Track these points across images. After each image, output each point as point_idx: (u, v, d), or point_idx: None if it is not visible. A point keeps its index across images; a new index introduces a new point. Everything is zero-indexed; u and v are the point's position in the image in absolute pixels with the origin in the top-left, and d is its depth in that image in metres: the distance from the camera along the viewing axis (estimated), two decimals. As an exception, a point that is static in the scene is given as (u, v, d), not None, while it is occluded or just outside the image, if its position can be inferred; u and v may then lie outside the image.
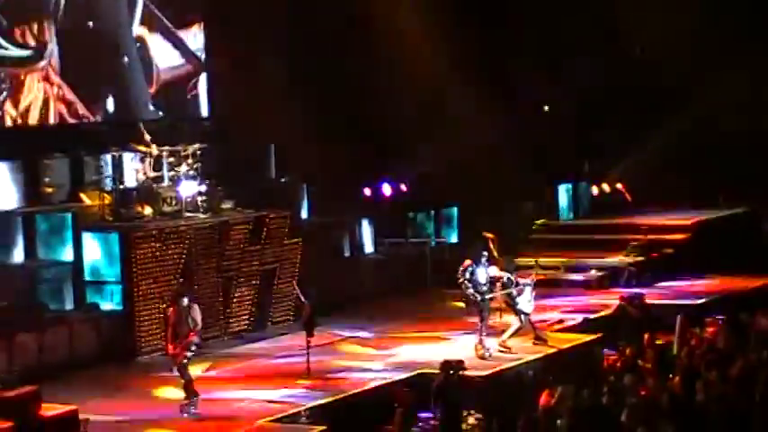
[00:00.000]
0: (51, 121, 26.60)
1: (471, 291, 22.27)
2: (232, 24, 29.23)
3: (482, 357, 21.82)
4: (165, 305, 20.39)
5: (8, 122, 25.85)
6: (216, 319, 24.34)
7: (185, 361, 18.90)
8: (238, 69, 28.89)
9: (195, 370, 19.78)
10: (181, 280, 21.28)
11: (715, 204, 32.25)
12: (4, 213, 24.53)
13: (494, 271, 22.98)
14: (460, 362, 19.38)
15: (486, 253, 22.97)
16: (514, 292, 22.92)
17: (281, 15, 29.42)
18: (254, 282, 25.52)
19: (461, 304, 24.32)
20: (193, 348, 19.07)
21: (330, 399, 20.10)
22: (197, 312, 19.17)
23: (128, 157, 25.81)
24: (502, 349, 22.64)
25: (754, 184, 31.50)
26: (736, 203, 32.27)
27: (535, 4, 31.79)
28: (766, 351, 19.16)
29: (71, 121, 26.93)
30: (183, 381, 18.99)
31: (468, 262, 22.43)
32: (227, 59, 29.19)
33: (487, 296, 22.38)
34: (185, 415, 18.66)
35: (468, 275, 22.29)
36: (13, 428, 17.29)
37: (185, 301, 19.13)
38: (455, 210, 30.92)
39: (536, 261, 24.50)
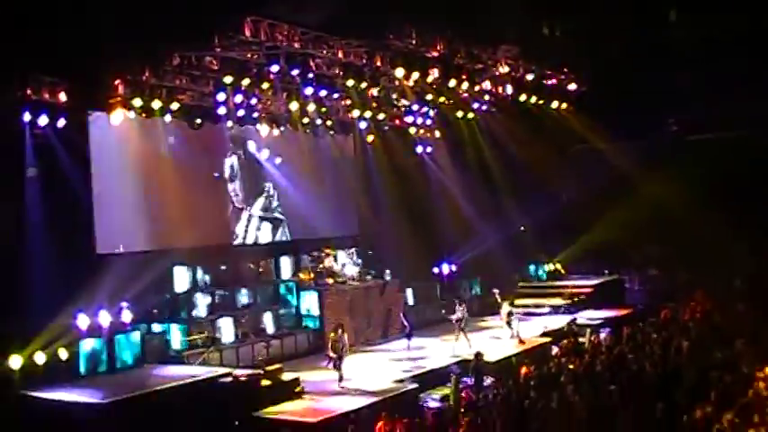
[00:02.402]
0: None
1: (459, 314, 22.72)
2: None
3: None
4: (331, 332, 19.96)
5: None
6: (363, 333, 24.79)
7: (339, 362, 19.15)
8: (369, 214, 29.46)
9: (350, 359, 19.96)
10: (341, 323, 20.50)
11: (603, 275, 31.75)
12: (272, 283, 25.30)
13: (506, 308, 23.65)
14: (481, 353, 20.29)
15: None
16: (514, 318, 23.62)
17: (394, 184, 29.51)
18: (382, 314, 25.75)
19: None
20: (343, 354, 19.20)
21: (420, 371, 20.52)
22: (346, 337, 19.43)
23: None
24: (504, 345, 22.94)
25: (621, 266, 31.58)
26: (613, 274, 31.87)
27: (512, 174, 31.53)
28: (629, 347, 19.90)
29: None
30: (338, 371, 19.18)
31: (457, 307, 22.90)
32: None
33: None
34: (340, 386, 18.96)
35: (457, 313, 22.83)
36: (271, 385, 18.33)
37: (340, 331, 19.42)
38: (477, 279, 30.45)
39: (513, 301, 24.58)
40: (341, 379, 19.07)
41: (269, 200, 26.69)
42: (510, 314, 23.50)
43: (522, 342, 23.21)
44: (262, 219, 26.47)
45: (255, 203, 26.31)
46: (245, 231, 25.99)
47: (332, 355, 19.18)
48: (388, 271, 26.56)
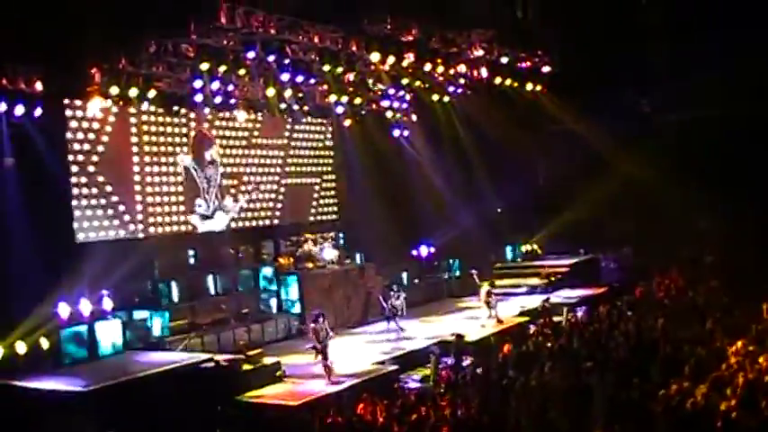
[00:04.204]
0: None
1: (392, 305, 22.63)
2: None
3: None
4: (312, 323, 18.71)
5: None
6: (342, 316, 24.61)
7: (325, 351, 18.09)
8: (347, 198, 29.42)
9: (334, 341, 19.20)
10: (320, 312, 18.90)
11: (579, 255, 31.65)
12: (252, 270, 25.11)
13: (485, 288, 23.55)
14: (461, 335, 20.47)
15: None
16: (493, 299, 23.44)
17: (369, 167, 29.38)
18: (361, 297, 25.55)
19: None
20: (328, 343, 18.17)
21: (399, 352, 20.51)
22: (327, 324, 18.46)
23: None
24: (483, 325, 22.91)
25: (597, 247, 31.62)
26: (588, 254, 31.77)
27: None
28: (604, 324, 20.09)
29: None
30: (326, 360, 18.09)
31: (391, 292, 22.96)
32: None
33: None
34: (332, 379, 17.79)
35: (391, 301, 22.65)
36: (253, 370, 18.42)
37: (321, 320, 18.37)
38: (456, 260, 30.41)
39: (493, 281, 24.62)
40: (330, 371, 18.08)
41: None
42: (489, 294, 23.54)
43: (500, 322, 23.27)
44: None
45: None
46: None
47: (317, 345, 18.25)
48: (358, 256, 26.46)
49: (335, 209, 29.72)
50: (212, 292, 23.48)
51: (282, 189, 27.68)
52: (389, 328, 22.70)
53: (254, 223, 26.70)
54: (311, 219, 28.51)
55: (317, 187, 29.08)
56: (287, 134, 28.00)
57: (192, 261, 23.79)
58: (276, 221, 27.37)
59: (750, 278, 22.56)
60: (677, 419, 11.74)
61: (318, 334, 18.20)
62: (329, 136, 29.76)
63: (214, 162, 25.60)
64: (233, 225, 25.96)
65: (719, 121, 28.38)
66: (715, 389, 12.90)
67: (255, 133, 26.84)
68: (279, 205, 27.54)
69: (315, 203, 28.95)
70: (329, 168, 29.68)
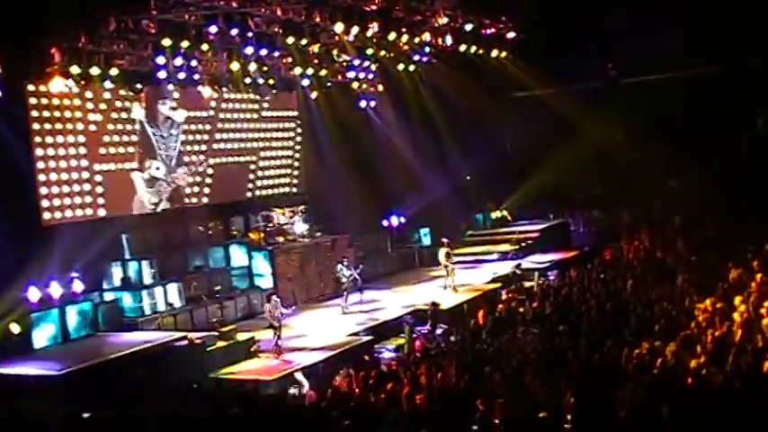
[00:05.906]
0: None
1: (344, 275, 22.38)
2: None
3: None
4: (266, 303, 19.03)
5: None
6: (315, 289, 24.85)
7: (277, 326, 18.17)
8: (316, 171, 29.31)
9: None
10: (272, 289, 19.71)
11: (549, 219, 31.59)
12: (222, 245, 24.97)
13: (443, 251, 23.66)
14: (436, 302, 20.42)
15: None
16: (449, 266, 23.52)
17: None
18: (332, 269, 24.80)
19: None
20: (283, 322, 18.34)
21: (374, 323, 20.60)
22: (279, 305, 18.52)
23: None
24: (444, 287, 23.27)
25: (566, 209, 31.71)
26: (558, 217, 31.84)
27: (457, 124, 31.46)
28: (576, 288, 20.25)
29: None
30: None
31: (339, 266, 22.67)
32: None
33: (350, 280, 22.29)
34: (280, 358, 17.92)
35: (339, 270, 22.48)
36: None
37: (274, 298, 18.58)
38: (427, 229, 30.32)
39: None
40: (278, 347, 18.10)
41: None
42: (447, 256, 23.59)
43: (455, 291, 23.22)
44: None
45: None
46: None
47: (274, 323, 18.25)
48: (318, 234, 26.31)
49: (305, 182, 29.54)
50: (183, 270, 23.32)
51: (251, 163, 27.49)
52: (349, 302, 22.49)
53: (219, 198, 26.39)
54: (280, 192, 28.41)
55: (285, 161, 28.85)
56: (253, 108, 27.75)
57: (160, 239, 23.54)
58: (247, 196, 27.19)
59: (717, 237, 22.83)
60: (648, 378, 11.90)
61: (272, 314, 18.22)
62: (295, 109, 29.47)
63: (171, 121, 24.95)
64: (195, 201, 25.57)
65: (685, 83, 28.50)
66: (685, 347, 13.11)
67: (221, 110, 26.60)
68: (248, 180, 27.36)
69: (284, 177, 28.78)
70: (297, 141, 29.43)
